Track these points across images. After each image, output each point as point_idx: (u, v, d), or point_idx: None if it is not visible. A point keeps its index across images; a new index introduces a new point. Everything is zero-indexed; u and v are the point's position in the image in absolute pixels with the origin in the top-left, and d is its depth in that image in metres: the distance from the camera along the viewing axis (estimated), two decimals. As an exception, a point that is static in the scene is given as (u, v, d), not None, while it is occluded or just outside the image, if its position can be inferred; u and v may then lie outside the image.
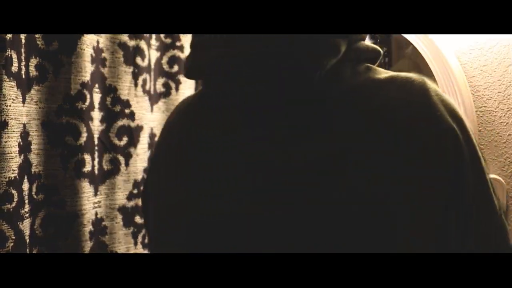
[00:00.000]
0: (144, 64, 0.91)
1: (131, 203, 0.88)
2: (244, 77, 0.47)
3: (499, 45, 1.13)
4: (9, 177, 0.65)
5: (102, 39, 0.82)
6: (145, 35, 0.90)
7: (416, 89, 0.45)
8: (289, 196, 0.43)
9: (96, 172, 0.81)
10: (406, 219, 0.41)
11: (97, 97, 0.81)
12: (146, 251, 0.91)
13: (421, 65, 1.24)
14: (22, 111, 0.69)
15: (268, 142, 0.45)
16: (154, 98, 0.96)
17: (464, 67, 1.17)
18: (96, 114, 0.81)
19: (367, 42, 0.52)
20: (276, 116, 0.46)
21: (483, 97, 1.16)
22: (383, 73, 0.48)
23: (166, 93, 0.98)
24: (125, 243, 0.87)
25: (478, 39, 1.15)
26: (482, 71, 1.16)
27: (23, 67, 0.70)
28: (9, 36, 0.65)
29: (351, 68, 0.48)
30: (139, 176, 0.90)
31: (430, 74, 1.19)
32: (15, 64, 0.67)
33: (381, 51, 0.52)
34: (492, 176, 1.13)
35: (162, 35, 0.97)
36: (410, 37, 1.21)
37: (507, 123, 1.13)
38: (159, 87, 0.98)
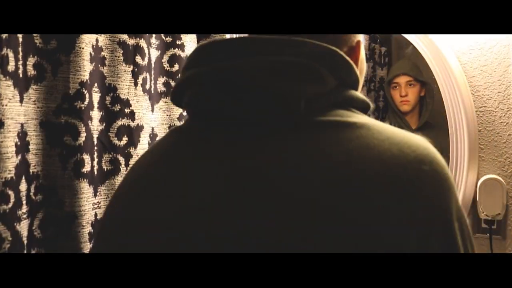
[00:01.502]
0: (144, 63, 0.90)
1: (129, 204, 0.87)
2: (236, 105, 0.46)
3: (499, 45, 1.13)
4: (5, 177, 0.64)
5: (101, 38, 0.82)
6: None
7: (419, 154, 0.43)
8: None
9: (96, 172, 0.80)
10: None
11: (96, 96, 0.81)
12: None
13: (421, 65, 1.24)
14: (20, 111, 0.69)
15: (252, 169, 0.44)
16: (154, 98, 0.95)
17: (464, 67, 1.16)
18: (96, 114, 0.80)
19: (359, 93, 0.52)
20: (257, 145, 0.45)
21: (483, 97, 1.15)
22: (381, 124, 0.47)
23: (167, 93, 0.97)
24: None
25: (478, 39, 1.15)
26: (482, 71, 1.15)
27: (20, 66, 0.69)
28: (5, 34, 0.64)
29: (341, 111, 0.47)
30: (138, 176, 0.89)
31: (430, 74, 1.19)
32: (12, 63, 0.66)
33: (371, 104, 0.52)
34: (492, 176, 1.13)
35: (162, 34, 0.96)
36: (410, 37, 1.20)
37: (507, 123, 1.13)
38: (160, 87, 0.97)
